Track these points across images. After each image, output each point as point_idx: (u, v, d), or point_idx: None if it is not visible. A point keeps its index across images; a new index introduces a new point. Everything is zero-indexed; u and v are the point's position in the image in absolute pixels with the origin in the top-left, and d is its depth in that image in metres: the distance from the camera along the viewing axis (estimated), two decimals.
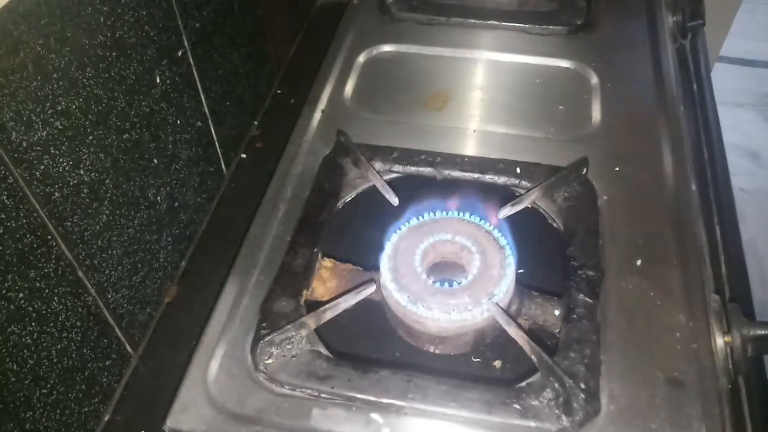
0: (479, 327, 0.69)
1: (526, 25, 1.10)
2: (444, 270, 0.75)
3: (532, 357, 0.67)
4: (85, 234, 0.62)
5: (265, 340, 0.69)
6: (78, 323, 0.62)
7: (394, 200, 0.82)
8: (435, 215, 0.77)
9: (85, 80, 0.59)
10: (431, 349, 0.70)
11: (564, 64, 1.05)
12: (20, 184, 0.53)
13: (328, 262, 0.78)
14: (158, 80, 0.71)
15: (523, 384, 0.66)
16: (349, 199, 0.87)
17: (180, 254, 0.82)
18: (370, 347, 0.72)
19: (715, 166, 0.95)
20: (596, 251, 0.77)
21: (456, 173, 0.87)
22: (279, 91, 1.10)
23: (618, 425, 0.64)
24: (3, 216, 0.51)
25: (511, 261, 0.72)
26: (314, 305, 0.71)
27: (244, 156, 0.98)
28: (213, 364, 0.69)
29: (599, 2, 1.17)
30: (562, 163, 0.87)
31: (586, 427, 0.63)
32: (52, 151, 0.56)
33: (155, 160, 0.73)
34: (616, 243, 0.79)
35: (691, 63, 1.11)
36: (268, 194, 0.85)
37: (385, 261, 0.72)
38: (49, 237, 0.57)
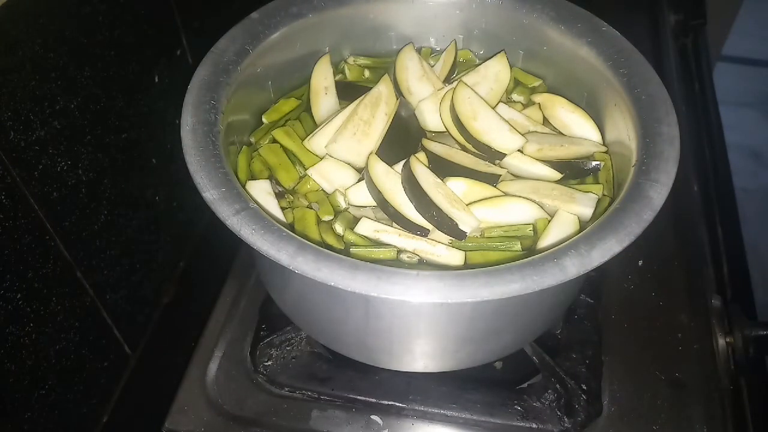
0: None
1: None
2: None
3: (534, 358, 0.67)
4: (84, 234, 0.62)
5: (265, 341, 0.69)
6: (76, 324, 0.62)
7: None
8: None
9: (83, 79, 0.59)
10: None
11: None
12: (18, 183, 0.53)
13: None
14: (157, 79, 0.71)
15: (525, 385, 0.66)
16: None
17: (178, 254, 0.82)
18: None
19: (717, 166, 0.95)
20: None
21: None
22: None
23: (620, 426, 0.64)
24: (1, 216, 0.51)
25: None
26: None
27: None
28: (212, 366, 0.69)
29: None
30: None
31: (588, 428, 0.63)
32: (51, 151, 0.56)
33: (154, 160, 0.73)
34: None
35: (692, 62, 1.11)
36: None
37: None
38: (48, 237, 0.57)
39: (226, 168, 0.52)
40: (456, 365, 0.62)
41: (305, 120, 0.67)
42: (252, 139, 0.66)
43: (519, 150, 0.62)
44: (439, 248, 0.55)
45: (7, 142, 0.51)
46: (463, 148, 0.63)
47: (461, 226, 0.54)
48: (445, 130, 0.65)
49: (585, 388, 0.64)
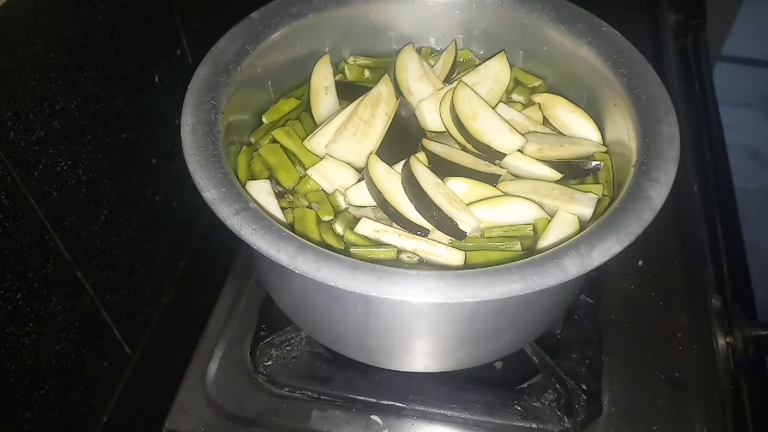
0: None
1: None
2: None
3: (534, 358, 0.67)
4: (84, 234, 0.62)
5: (265, 341, 0.69)
6: (76, 324, 0.62)
7: None
8: None
9: (83, 79, 0.59)
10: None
11: None
12: (18, 183, 0.53)
13: None
14: (157, 79, 0.71)
15: (525, 385, 0.66)
16: None
17: (179, 254, 0.82)
18: None
19: (717, 166, 0.95)
20: None
21: None
22: None
23: (619, 427, 0.64)
24: (1, 216, 0.51)
25: None
26: None
27: None
28: (212, 366, 0.69)
29: None
30: None
31: (588, 428, 0.63)
32: (51, 151, 0.56)
33: (154, 160, 0.73)
34: None
35: (692, 62, 1.11)
36: None
37: None
38: (48, 237, 0.57)
39: (226, 168, 0.52)
40: (456, 365, 0.62)
41: (305, 120, 0.67)
42: (252, 139, 0.66)
43: (519, 150, 0.62)
44: (439, 248, 0.55)
45: (7, 142, 0.51)
46: (463, 148, 0.63)
47: (461, 226, 0.54)
48: (445, 130, 0.65)
49: (585, 388, 0.64)
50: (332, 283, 0.44)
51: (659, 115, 0.55)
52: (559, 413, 0.64)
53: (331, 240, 0.57)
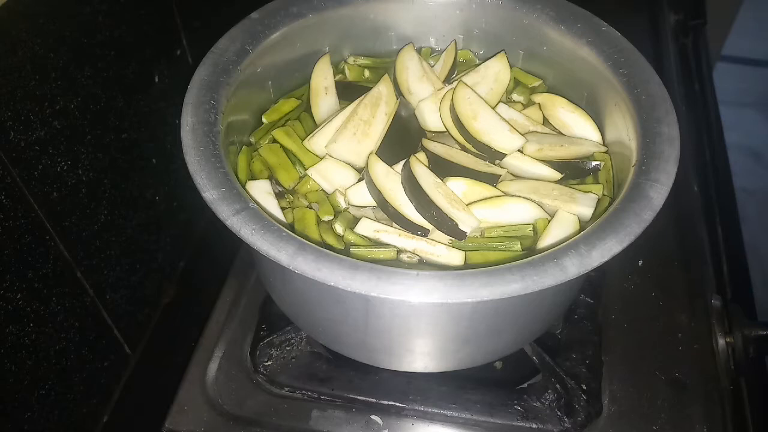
0: None
1: None
2: None
3: (534, 358, 0.67)
4: (84, 234, 0.62)
5: (265, 341, 0.69)
6: (76, 324, 0.62)
7: None
8: None
9: (83, 79, 0.59)
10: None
11: None
12: (18, 183, 0.53)
13: None
14: (157, 79, 0.71)
15: (525, 385, 0.66)
16: None
17: (178, 254, 0.82)
18: None
19: (717, 166, 0.95)
20: None
21: None
22: None
23: (619, 426, 0.64)
24: (1, 216, 0.51)
25: None
26: None
27: None
28: (212, 366, 0.69)
29: None
30: None
31: (588, 428, 0.63)
32: (51, 151, 0.56)
33: (154, 160, 0.73)
34: None
35: (692, 62, 1.11)
36: None
37: None
38: (48, 237, 0.57)
39: (226, 168, 0.52)
40: (456, 365, 0.62)
41: (305, 120, 0.67)
42: (252, 139, 0.66)
43: (519, 150, 0.62)
44: (439, 248, 0.55)
45: (7, 142, 0.51)
46: (463, 148, 0.63)
47: (461, 226, 0.54)
48: (445, 130, 0.65)
49: (585, 388, 0.64)
50: (332, 283, 0.45)
51: (659, 115, 0.55)
52: (559, 413, 0.64)
53: (331, 240, 0.57)
